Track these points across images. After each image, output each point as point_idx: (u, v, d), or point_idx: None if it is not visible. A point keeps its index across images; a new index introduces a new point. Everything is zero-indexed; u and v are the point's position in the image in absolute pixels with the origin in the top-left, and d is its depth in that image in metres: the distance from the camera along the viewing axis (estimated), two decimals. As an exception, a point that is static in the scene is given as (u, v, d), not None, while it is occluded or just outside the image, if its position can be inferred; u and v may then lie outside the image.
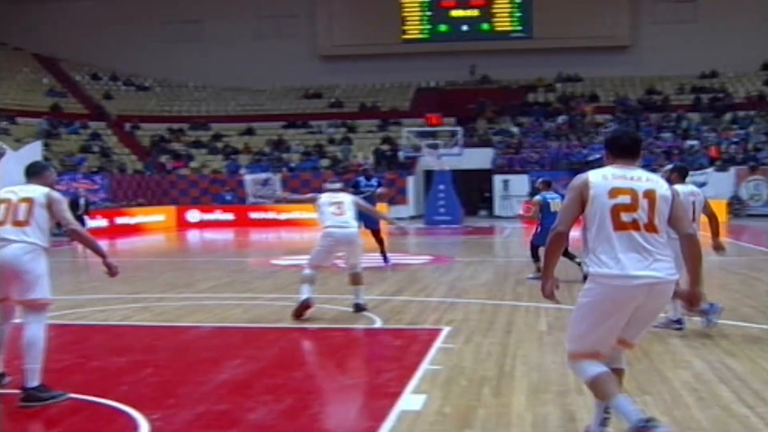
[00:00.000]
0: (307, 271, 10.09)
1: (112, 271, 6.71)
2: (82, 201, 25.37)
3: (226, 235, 28.66)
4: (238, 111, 43.65)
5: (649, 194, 4.63)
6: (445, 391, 6.34)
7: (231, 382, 6.75)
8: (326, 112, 42.58)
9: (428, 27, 45.77)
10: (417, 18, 45.86)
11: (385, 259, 15.66)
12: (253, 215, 33.00)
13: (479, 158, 35.90)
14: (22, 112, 38.50)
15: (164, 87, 46.94)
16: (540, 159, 35.62)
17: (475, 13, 45.49)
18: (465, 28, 45.44)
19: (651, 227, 4.60)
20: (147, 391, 6.61)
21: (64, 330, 9.43)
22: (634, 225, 4.59)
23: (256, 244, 26.01)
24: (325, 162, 37.62)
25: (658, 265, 4.55)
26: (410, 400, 6.08)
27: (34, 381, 6.10)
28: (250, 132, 41.28)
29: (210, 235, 29.11)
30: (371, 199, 15.48)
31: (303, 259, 17.13)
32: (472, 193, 35.88)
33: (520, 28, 45.16)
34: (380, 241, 15.78)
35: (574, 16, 43.09)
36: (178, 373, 7.15)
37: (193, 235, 29.47)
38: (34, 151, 29.81)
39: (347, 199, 10.51)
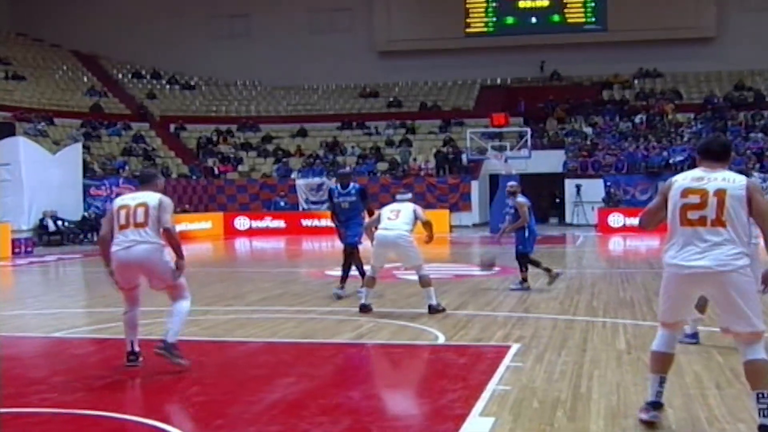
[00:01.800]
0: (368, 273, 11.68)
1: (179, 271, 7.96)
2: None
3: (277, 244, 28.85)
4: (290, 111, 43.97)
5: (719, 193, 5.52)
6: (514, 413, 6.27)
7: (284, 402, 6.77)
8: (384, 112, 42.65)
9: (494, 20, 45.59)
10: (481, 10, 45.72)
11: (343, 279, 13.32)
12: (306, 223, 33.19)
13: (549, 161, 35.60)
14: (61, 113, 39.29)
15: (211, 86, 47.51)
16: (616, 162, 35.20)
17: (544, 3, 45.20)
18: (534, 20, 45.16)
19: (718, 222, 5.51)
20: (193, 411, 6.67)
21: (105, 344, 9.59)
22: (701, 221, 5.55)
23: (309, 253, 26.15)
24: (382, 165, 37.67)
25: (712, 256, 5.50)
26: (477, 423, 6.03)
27: (172, 338, 7.89)
28: (302, 133, 41.54)
29: (260, 243, 29.34)
30: (352, 211, 13.43)
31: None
32: (542, 199, 35.54)
33: (593, 19, 44.73)
34: (348, 264, 13.34)
35: (653, 5, 42.52)
36: (227, 391, 7.19)
37: (241, 244, 29.73)
38: (73, 154, 30.51)
39: (408, 207, 11.72)
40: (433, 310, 11.15)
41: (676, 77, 42.71)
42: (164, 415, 6.33)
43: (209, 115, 44.08)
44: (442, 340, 9.32)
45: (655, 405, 5.92)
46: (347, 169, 14.85)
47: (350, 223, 13.41)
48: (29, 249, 24.82)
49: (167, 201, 8.03)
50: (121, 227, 7.90)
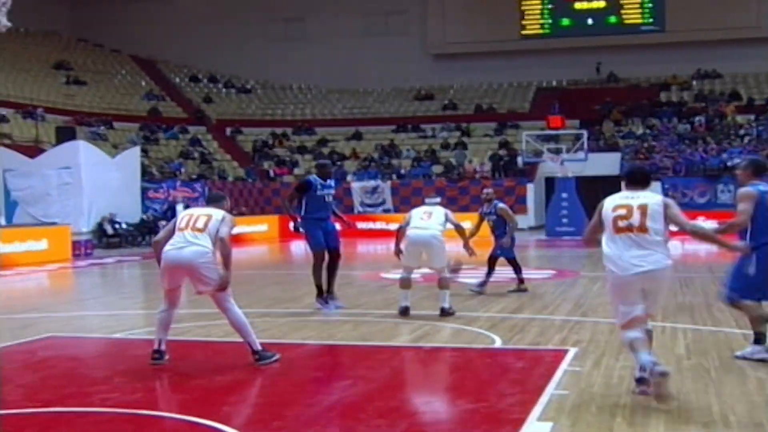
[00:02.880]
0: (402, 274, 11.72)
1: (223, 282, 8.14)
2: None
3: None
4: (345, 114, 44.16)
5: (642, 207, 6.86)
6: (573, 418, 6.22)
7: (341, 405, 6.80)
8: (439, 115, 42.64)
9: (549, 21, 45.32)
10: (537, 12, 45.48)
11: (325, 300, 12.26)
12: (361, 225, 33.20)
13: (605, 164, 35.21)
14: (119, 117, 39.94)
15: (266, 89, 47.91)
16: (673, 165, 34.75)
17: (601, 4, 44.81)
18: (590, 21, 44.81)
19: (642, 229, 6.82)
20: (251, 413, 6.72)
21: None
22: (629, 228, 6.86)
23: (365, 255, 26.23)
24: (438, 168, 37.65)
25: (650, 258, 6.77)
26: (535, 427, 5.99)
27: (256, 346, 8.22)
28: (357, 136, 41.68)
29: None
30: (330, 205, 12.43)
31: (414, 273, 17.19)
32: (598, 202, 35.24)
33: (651, 20, 44.23)
34: (333, 269, 12.42)
35: (712, 5, 41.93)
36: (284, 393, 7.23)
37: (297, 246, 29.85)
38: (131, 158, 30.96)
39: (439, 210, 11.93)
40: (444, 312, 11.22)
41: (736, 78, 42.04)
42: (223, 415, 6.38)
43: (265, 118, 44.43)
44: (499, 343, 9.28)
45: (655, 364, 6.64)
46: (323, 162, 12.89)
47: (329, 221, 12.33)
48: (89, 251, 25.24)
49: (231, 217, 8.43)
50: (180, 230, 8.22)
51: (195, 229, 8.15)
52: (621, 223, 6.90)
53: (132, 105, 42.29)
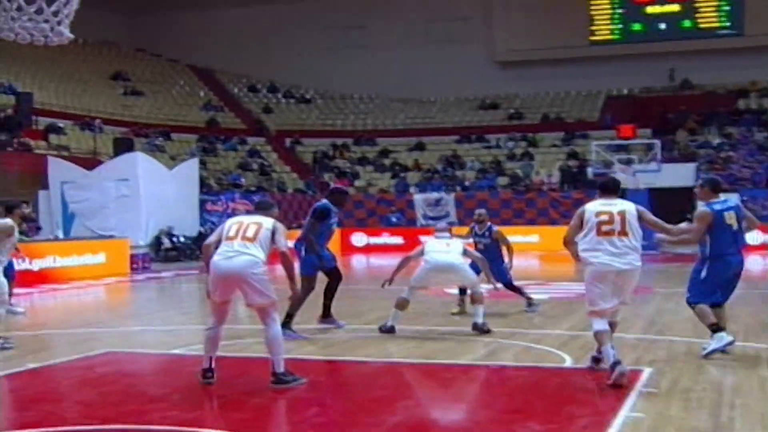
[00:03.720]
0: (404, 295, 11.77)
1: (294, 295, 8.69)
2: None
3: (395, 261, 28.80)
4: (407, 124, 44.20)
5: (621, 213, 8.26)
6: (650, 443, 6.11)
7: (405, 425, 6.77)
8: (504, 125, 42.43)
9: (620, 26, 44.86)
10: (607, 16, 45.06)
11: (329, 319, 12.19)
12: (424, 239, 33.12)
13: (680, 175, 34.65)
14: (177, 128, 40.46)
15: (327, 99, 48.17)
16: (752, 175, 34.10)
17: (674, 8, 44.23)
18: (663, 26, 44.24)
19: (623, 233, 8.21)
20: (313, 432, 6.72)
21: (223, 362, 9.74)
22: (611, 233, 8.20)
23: (427, 270, 26.07)
24: (503, 180, 37.48)
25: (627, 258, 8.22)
26: (610, 452, 5.89)
27: (280, 368, 8.11)
28: (420, 147, 41.68)
29: (377, 260, 29.50)
30: (327, 234, 12.01)
31: (481, 288, 17.11)
32: (672, 215, 34.51)
33: (728, 24, 43.52)
34: (331, 292, 12.21)
35: (794, 7, 41.12)
36: (346, 413, 7.23)
37: (358, 261, 30.00)
38: (190, 170, 31.32)
39: (458, 245, 12.09)
40: (477, 328, 11.20)
41: (820, 84, 41.15)
42: (284, 435, 6.40)
43: (325, 128, 44.66)
44: (569, 362, 9.17)
45: (618, 363, 7.93)
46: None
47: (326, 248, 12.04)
48: (146, 265, 25.60)
49: (282, 226, 8.41)
50: (229, 239, 8.19)
51: (245, 238, 8.12)
52: (604, 228, 8.21)
53: (190, 116, 42.85)
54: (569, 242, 8.50)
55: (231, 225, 8.33)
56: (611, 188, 8.63)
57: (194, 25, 48.55)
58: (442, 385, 8.34)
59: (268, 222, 8.30)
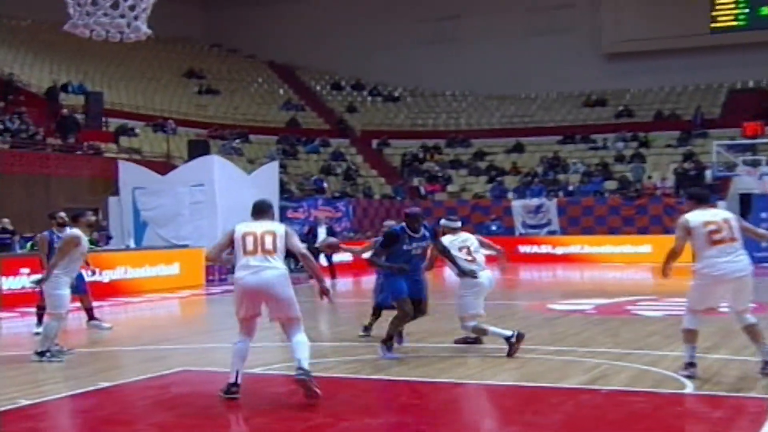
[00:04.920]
0: (470, 323, 11.68)
1: (327, 296, 8.90)
2: (321, 230, 26.47)
3: (491, 273, 28.74)
4: (504, 124, 43.99)
5: (726, 221, 9.51)
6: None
7: (507, 455, 6.68)
8: (612, 123, 41.92)
9: (746, 11, 43.90)
10: (731, 1, 44.15)
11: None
12: (524, 249, 33.02)
13: (814, 178, 33.86)
14: (256, 129, 40.95)
15: (416, 97, 48.25)
16: None
17: (809, -10, 43.12)
18: (795, 11, 43.20)
19: (733, 239, 9.39)
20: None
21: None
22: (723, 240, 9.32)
23: (528, 283, 25.96)
24: (611, 184, 37.00)
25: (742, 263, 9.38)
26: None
27: (308, 365, 8.57)
28: (518, 148, 41.44)
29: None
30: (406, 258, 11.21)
31: (586, 303, 16.92)
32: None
33: None
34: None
35: None
36: (442, 439, 7.19)
37: (449, 273, 29.83)
38: (269, 174, 31.57)
39: (473, 240, 12.25)
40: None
41: None
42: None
43: (415, 129, 44.71)
44: (690, 388, 8.96)
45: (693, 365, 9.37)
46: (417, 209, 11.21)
47: (419, 273, 11.43)
48: (223, 276, 25.87)
49: (291, 228, 9.18)
50: (248, 253, 8.69)
51: (265, 251, 8.67)
52: (716, 237, 9.30)
53: (269, 116, 43.33)
54: (677, 256, 9.53)
55: (245, 236, 8.77)
56: (707, 198, 10.03)
57: (273, 19, 49.09)
58: (547, 410, 8.22)
59: (279, 228, 8.90)
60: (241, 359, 8.71)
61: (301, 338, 8.64)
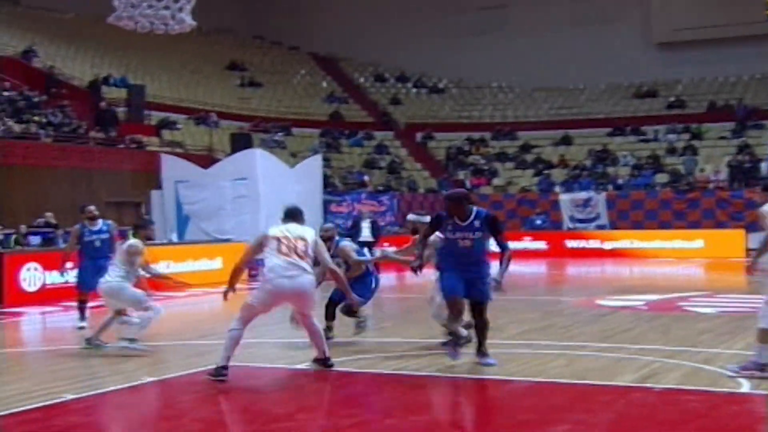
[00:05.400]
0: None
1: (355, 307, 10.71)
2: (365, 224, 26.45)
3: (538, 268, 28.74)
4: (552, 115, 43.78)
5: None
6: None
7: (557, 453, 6.67)
8: (664, 115, 41.56)
9: (802, -2, 43.31)
10: (786, -13, 43.56)
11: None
12: (571, 244, 32.88)
13: None
14: (299, 122, 41.09)
15: (461, 89, 48.14)
16: None
17: None
18: None
19: None
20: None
21: (349, 380, 9.86)
22: None
23: (576, 279, 25.88)
24: (662, 177, 36.71)
25: None
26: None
27: (327, 353, 9.89)
28: (566, 141, 41.22)
29: (518, 267, 29.22)
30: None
31: (636, 299, 16.81)
32: None
33: None
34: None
35: None
36: (491, 437, 7.19)
37: (496, 268, 29.81)
38: (312, 167, 31.68)
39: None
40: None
41: None
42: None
43: (460, 121, 44.62)
44: (746, 388, 8.86)
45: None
46: (458, 191, 9.84)
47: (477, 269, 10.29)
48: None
49: (319, 239, 9.98)
50: (282, 255, 9.36)
51: (298, 255, 9.38)
52: None
53: (312, 108, 43.45)
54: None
55: (279, 239, 9.43)
56: None
57: (316, 10, 49.19)
58: (598, 409, 8.19)
59: (310, 234, 9.62)
60: (234, 345, 9.40)
61: (317, 326, 9.84)
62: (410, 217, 12.23)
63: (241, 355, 11.49)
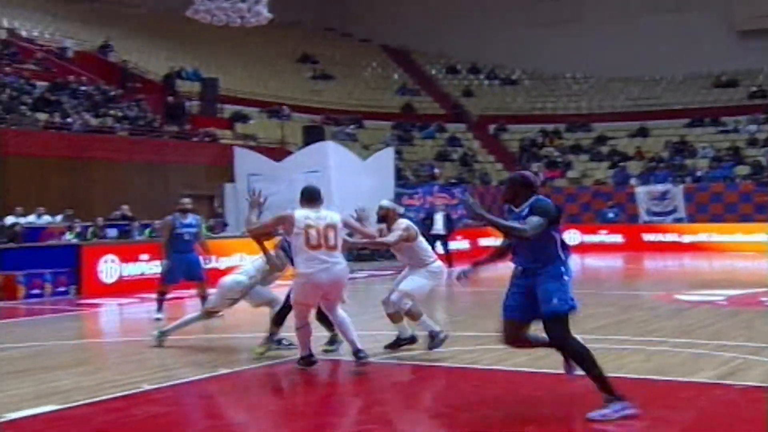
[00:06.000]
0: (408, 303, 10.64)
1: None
2: (438, 217, 26.48)
3: (614, 262, 28.53)
4: (628, 106, 43.37)
5: None
6: None
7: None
8: (745, 105, 41.00)
9: None
10: None
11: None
12: (648, 237, 32.56)
13: None
14: (370, 114, 41.24)
15: (535, 80, 47.89)
16: None
17: None
18: None
19: None
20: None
21: (425, 373, 9.87)
22: None
23: (654, 273, 25.61)
24: (742, 169, 36.19)
25: None
26: None
27: (359, 344, 9.52)
28: (643, 132, 40.83)
29: (593, 260, 29.08)
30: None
31: (717, 294, 16.59)
32: None
33: None
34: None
35: None
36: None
37: (571, 261, 29.66)
38: (384, 160, 31.76)
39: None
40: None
41: None
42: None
43: (534, 113, 44.43)
44: (833, 385, 8.71)
45: None
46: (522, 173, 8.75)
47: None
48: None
49: (343, 220, 9.59)
50: (313, 247, 9.19)
51: (329, 247, 9.24)
52: None
53: (384, 101, 43.55)
54: None
55: (308, 229, 9.20)
56: None
57: (388, 1, 49.34)
58: (678, 405, 8.10)
59: (335, 218, 9.39)
60: (308, 338, 9.57)
61: (345, 319, 9.63)
62: (384, 203, 11.05)
63: (317, 348, 11.58)
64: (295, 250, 9.33)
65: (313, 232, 9.18)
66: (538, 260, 7.66)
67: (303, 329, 9.52)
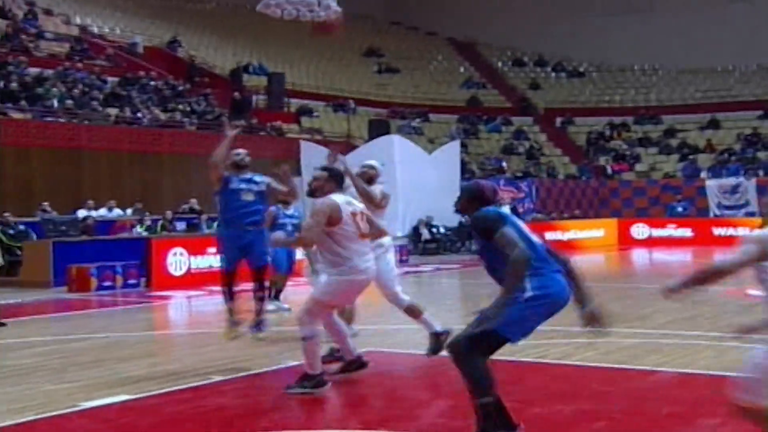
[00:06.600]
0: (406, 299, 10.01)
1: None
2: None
3: (683, 256, 28.18)
4: (698, 99, 42.85)
5: None
6: None
7: (708, 446, 6.57)
8: (819, 96, 40.30)
9: None
10: None
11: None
12: (718, 231, 32.09)
13: None
14: (436, 108, 41.23)
15: (603, 72, 47.50)
16: None
17: None
18: None
19: None
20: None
21: (492, 368, 9.84)
22: None
23: (724, 268, 25.19)
24: (814, 162, 35.62)
25: None
26: None
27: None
28: (714, 125, 40.35)
29: (662, 255, 28.80)
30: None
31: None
32: None
33: None
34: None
35: None
36: (638, 429, 7.12)
37: (639, 255, 29.40)
38: (450, 154, 31.76)
39: None
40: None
41: None
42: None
43: (601, 105, 44.09)
44: None
45: None
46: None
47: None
48: (404, 258, 26.17)
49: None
50: (361, 235, 8.18)
51: (363, 235, 8.21)
52: None
53: (449, 94, 43.50)
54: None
55: (354, 215, 8.13)
56: None
57: (454, -6, 49.17)
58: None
59: (362, 207, 8.53)
60: (344, 337, 8.81)
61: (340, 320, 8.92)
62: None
63: (384, 341, 11.65)
64: (341, 242, 7.96)
65: (358, 218, 8.12)
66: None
67: (315, 338, 8.20)
